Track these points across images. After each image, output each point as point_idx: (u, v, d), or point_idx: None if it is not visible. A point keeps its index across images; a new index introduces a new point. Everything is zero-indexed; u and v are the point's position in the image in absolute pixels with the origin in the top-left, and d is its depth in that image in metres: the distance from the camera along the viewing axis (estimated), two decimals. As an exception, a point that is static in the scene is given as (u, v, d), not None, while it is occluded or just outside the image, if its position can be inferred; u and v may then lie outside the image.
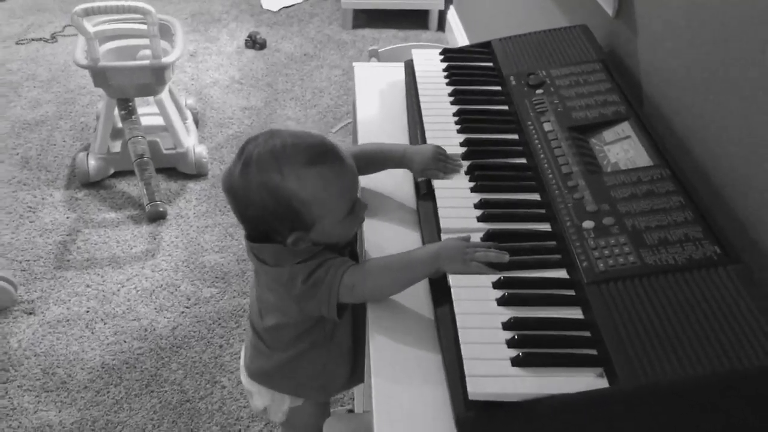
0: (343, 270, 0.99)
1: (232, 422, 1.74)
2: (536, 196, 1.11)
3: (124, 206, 2.45)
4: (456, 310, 0.91)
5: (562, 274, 0.97)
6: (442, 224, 1.06)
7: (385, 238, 1.13)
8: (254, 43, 3.48)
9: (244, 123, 2.88)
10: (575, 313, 0.91)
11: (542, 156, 1.16)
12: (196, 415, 1.76)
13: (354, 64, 1.63)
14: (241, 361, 1.26)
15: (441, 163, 1.16)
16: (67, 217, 2.39)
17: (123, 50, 2.49)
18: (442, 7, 3.66)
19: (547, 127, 1.22)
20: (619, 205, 1.01)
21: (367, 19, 3.75)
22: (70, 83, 3.14)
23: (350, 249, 1.14)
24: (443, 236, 1.05)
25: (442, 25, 3.71)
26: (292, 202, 0.97)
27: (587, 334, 0.87)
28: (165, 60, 2.30)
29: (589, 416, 0.81)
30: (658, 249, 0.93)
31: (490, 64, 1.45)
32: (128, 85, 2.36)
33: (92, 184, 2.53)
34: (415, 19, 3.71)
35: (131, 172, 2.46)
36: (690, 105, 1.17)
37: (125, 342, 1.95)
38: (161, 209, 2.35)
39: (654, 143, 1.12)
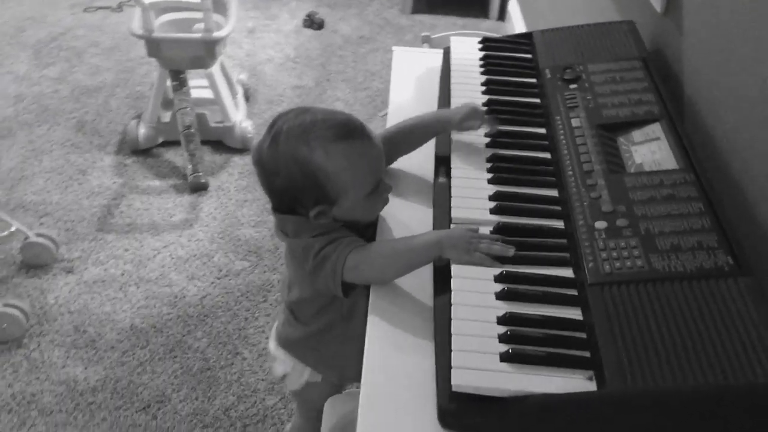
0: (349, 249, 1.00)
1: (249, 393, 1.77)
2: (554, 192, 1.09)
3: (169, 175, 2.50)
4: (453, 299, 0.90)
5: (568, 273, 0.95)
6: (453, 213, 1.05)
7: (398, 220, 1.13)
8: (312, 22, 3.49)
9: (294, 101, 2.91)
10: (574, 314, 0.89)
11: (565, 152, 1.13)
12: (214, 384, 1.80)
13: (393, 48, 1.62)
14: (273, 328, 1.30)
15: (479, 114, 1.17)
16: (114, 182, 2.46)
17: (180, 22, 2.54)
18: (504, -4, 3.60)
19: (575, 122, 1.19)
20: (635, 207, 0.99)
21: (428, 4, 3.72)
22: (130, 52, 3.22)
23: (373, 230, 1.14)
24: (453, 225, 1.03)
25: (503, 14, 3.65)
26: (318, 175, 0.99)
27: (583, 335, 0.85)
28: (216, 34, 2.33)
29: (574, 418, 0.79)
30: (669, 255, 0.90)
31: (529, 55, 1.42)
32: (180, 57, 2.40)
33: (141, 151, 2.59)
34: (476, 8, 3.66)
35: (179, 143, 2.51)
36: (732, 113, 1.12)
37: (155, 307, 2.00)
38: (203, 181, 2.40)
39: (683, 147, 1.08)
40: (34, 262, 2.11)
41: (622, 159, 1.11)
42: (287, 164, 1.01)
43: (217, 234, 2.26)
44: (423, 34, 2.49)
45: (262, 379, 1.80)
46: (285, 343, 1.24)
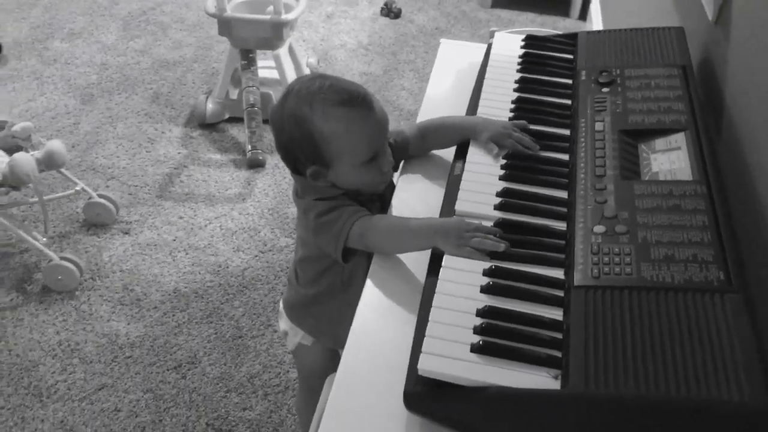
0: (355, 218, 1.04)
1: (275, 364, 1.84)
2: (563, 194, 1.09)
3: (230, 150, 2.60)
4: (437, 288, 0.92)
5: (559, 274, 0.95)
6: (457, 205, 1.07)
7: (410, 205, 1.16)
8: (389, 11, 3.53)
9: (360, 88, 2.95)
10: (555, 314, 0.89)
11: (582, 154, 1.13)
12: (244, 351, 1.88)
13: (442, 40, 1.64)
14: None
15: (508, 139, 1.15)
16: (179, 153, 2.58)
17: (254, 4, 2.62)
18: (587, -4, 3.54)
19: (598, 126, 1.18)
20: (638, 215, 0.97)
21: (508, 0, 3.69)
22: (212, 30, 3.34)
23: (380, 205, 1.17)
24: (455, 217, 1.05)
25: (584, 14, 3.58)
26: (315, 135, 1.04)
27: (558, 336, 0.86)
28: (284, 17, 2.40)
29: (532, 415, 0.80)
30: (660, 265, 0.89)
31: (570, 56, 1.41)
32: (249, 37, 2.49)
33: (207, 125, 2.70)
34: (559, 6, 3.61)
35: (243, 119, 2.60)
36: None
37: (199, 273, 2.10)
38: (260, 158, 2.48)
39: (702, 159, 1.06)
40: (95, 221, 2.24)
41: (639, 166, 1.10)
42: (290, 121, 1.06)
43: (267, 210, 2.33)
44: (491, 29, 2.48)
45: (289, 353, 1.87)
46: (286, 304, 1.31)
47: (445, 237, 0.97)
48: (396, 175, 1.25)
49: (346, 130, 1.04)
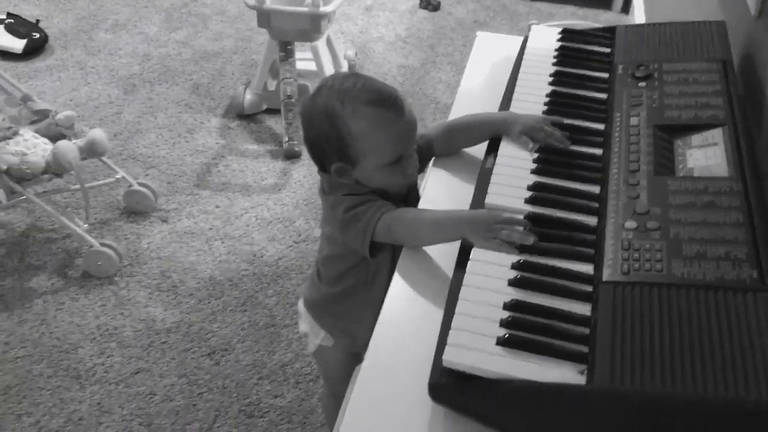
0: (383, 211, 1.05)
1: (307, 353, 1.86)
2: (595, 189, 1.08)
3: (267, 141, 2.63)
4: (464, 280, 0.92)
5: (589, 269, 0.94)
6: (488, 198, 1.06)
7: (440, 199, 1.16)
8: (428, 3, 3.52)
9: (397, 80, 2.96)
10: (584, 309, 0.89)
11: (616, 149, 1.12)
12: (276, 340, 1.90)
13: (478, 32, 1.63)
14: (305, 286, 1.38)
15: (540, 133, 1.14)
16: (217, 143, 2.62)
17: (294, -4, 2.64)
18: (629, -11, 3.48)
19: (633, 121, 1.16)
20: (671, 211, 0.96)
21: (550, -8, 3.65)
22: (251, 22, 3.36)
23: (404, 206, 1.17)
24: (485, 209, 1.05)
25: (627, 6, 3.53)
26: (342, 131, 1.06)
27: (585, 330, 0.85)
28: (321, 9, 2.41)
29: (556, 409, 0.80)
30: (692, 262, 0.88)
31: (608, 50, 1.40)
32: (287, 29, 2.51)
33: (246, 116, 2.73)
34: (600, -2, 3.56)
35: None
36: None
37: (234, 262, 2.13)
38: (296, 149, 2.50)
39: (739, 155, 1.04)
40: (135, 209, 2.29)
41: (674, 162, 1.08)
42: (320, 116, 1.07)
43: (302, 201, 2.35)
44: (531, 23, 2.46)
45: (309, 355, 1.88)
46: (307, 302, 1.31)
47: (474, 229, 0.97)
48: (422, 177, 1.25)
49: (373, 130, 1.05)
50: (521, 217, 1.01)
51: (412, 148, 1.12)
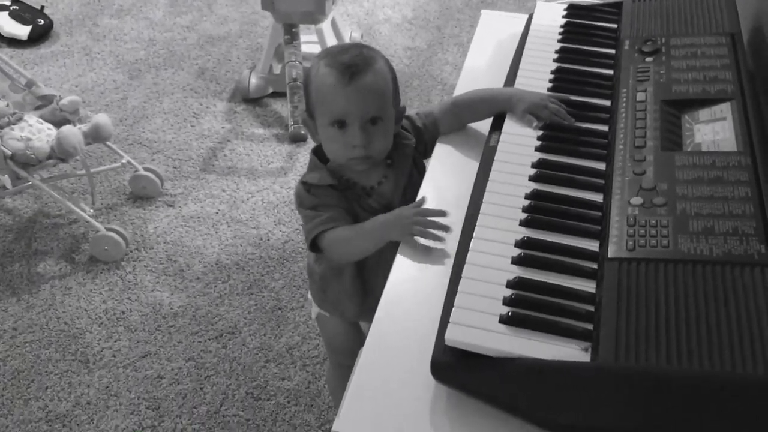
0: (323, 228, 1.12)
1: (314, 336, 1.86)
2: (601, 166, 1.06)
3: (273, 125, 2.62)
4: (467, 258, 0.91)
5: (594, 246, 0.93)
6: (491, 176, 1.05)
7: (446, 177, 1.16)
8: (434, -15, 3.48)
9: (403, 62, 2.93)
10: (588, 286, 0.87)
11: (622, 125, 1.10)
12: (283, 323, 1.90)
13: (482, 11, 1.61)
14: None
15: (544, 110, 1.14)
16: (223, 127, 2.61)
17: (298, -22, 2.61)
18: (638, -32, 3.42)
19: (640, 96, 1.14)
20: (678, 187, 0.95)
21: (558, -28, 3.60)
22: (257, 5, 3.31)
23: (373, 200, 1.19)
24: (486, 193, 1.02)
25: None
26: (308, 86, 1.15)
27: (590, 308, 0.84)
28: (326, -10, 2.39)
29: (559, 387, 0.79)
30: (698, 238, 0.87)
31: (614, 25, 1.37)
32: (292, 11, 2.49)
33: (251, 100, 2.72)
34: (608, -22, 3.51)
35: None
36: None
37: (241, 246, 2.13)
38: (302, 132, 2.49)
39: (748, 129, 1.02)
40: (141, 194, 2.29)
41: (682, 137, 1.06)
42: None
43: (308, 184, 2.34)
44: (539, 1, 2.43)
45: (321, 335, 1.88)
46: (307, 270, 1.37)
47: (392, 228, 1.04)
48: (428, 162, 1.25)
49: (321, 87, 1.11)
50: (524, 194, 1.00)
51: (361, 123, 1.11)
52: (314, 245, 1.14)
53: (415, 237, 1.02)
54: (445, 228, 1.01)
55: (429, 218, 1.02)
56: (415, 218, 1.03)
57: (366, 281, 1.24)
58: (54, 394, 1.78)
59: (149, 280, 2.03)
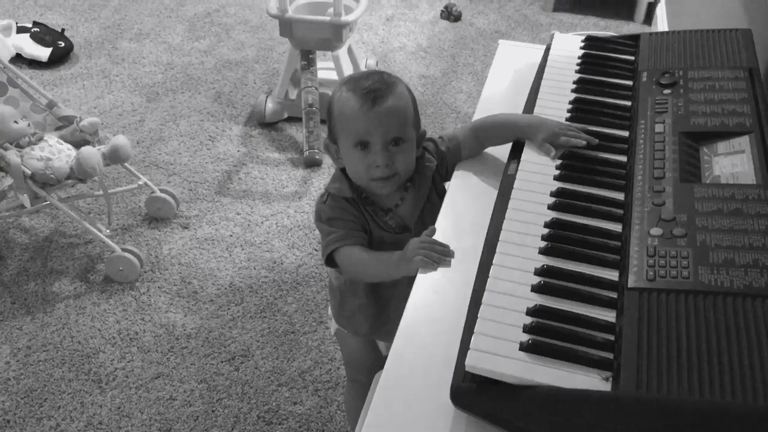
0: (341, 244, 1.15)
1: (326, 361, 1.85)
2: (620, 196, 1.07)
3: (288, 149, 2.64)
4: (487, 285, 0.92)
5: (614, 275, 0.93)
6: (511, 204, 1.06)
7: (464, 203, 1.17)
8: (449, 14, 3.53)
9: (417, 90, 2.96)
10: (608, 316, 0.88)
11: (641, 156, 1.11)
12: (296, 347, 1.90)
13: (500, 41, 1.63)
14: None
15: (562, 138, 1.15)
16: (238, 151, 2.63)
17: (315, 6, 2.66)
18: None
19: (658, 128, 1.15)
20: (698, 218, 0.95)
21: (571, 3, 3.64)
22: (274, 32, 3.38)
23: (390, 218, 1.21)
24: (506, 221, 1.03)
25: (649, 17, 3.51)
26: (331, 111, 1.18)
27: (610, 337, 0.84)
28: (343, 18, 2.42)
29: (581, 416, 0.79)
30: (719, 269, 0.87)
31: (631, 57, 1.39)
32: (309, 38, 2.52)
33: (267, 124, 2.74)
34: (622, 9, 3.55)
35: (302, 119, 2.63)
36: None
37: (254, 269, 2.13)
38: (317, 157, 2.51)
39: (766, 163, 1.03)
40: (156, 215, 2.31)
41: (700, 169, 1.07)
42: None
43: (323, 209, 2.36)
44: (552, 33, 2.46)
45: (340, 350, 1.88)
46: (328, 287, 1.41)
47: (401, 263, 1.06)
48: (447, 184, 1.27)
49: (343, 112, 1.15)
50: (544, 223, 1.01)
51: (383, 145, 1.15)
52: (329, 260, 1.17)
53: (421, 263, 1.03)
54: (448, 253, 1.05)
55: (433, 244, 1.05)
56: (421, 244, 1.05)
57: (379, 298, 1.27)
58: (66, 414, 1.78)
59: (163, 302, 2.04)
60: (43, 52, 3.08)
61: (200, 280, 2.11)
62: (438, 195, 1.25)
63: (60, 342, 1.95)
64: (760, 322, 0.80)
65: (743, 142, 1.09)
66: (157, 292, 2.07)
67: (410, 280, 1.07)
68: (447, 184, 1.27)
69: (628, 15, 3.53)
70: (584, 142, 1.15)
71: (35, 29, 3.19)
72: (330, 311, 1.42)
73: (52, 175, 1.95)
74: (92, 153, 1.96)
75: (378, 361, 1.39)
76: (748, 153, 1.06)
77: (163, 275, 2.12)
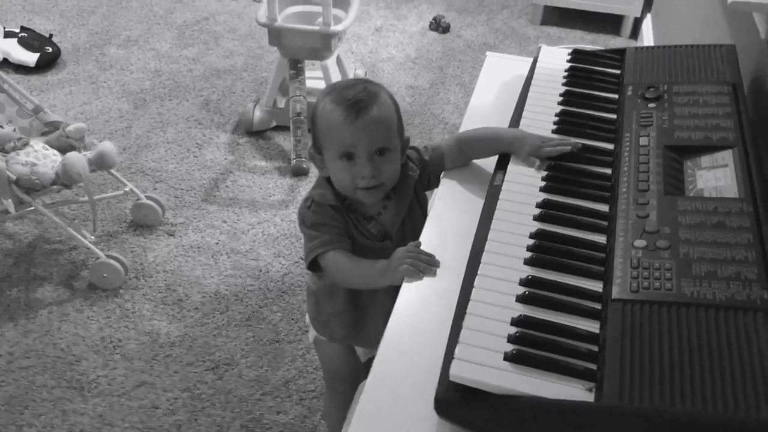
0: (319, 252, 1.16)
1: (311, 370, 1.85)
2: (604, 208, 1.08)
3: (275, 158, 2.64)
4: (472, 295, 0.92)
5: (597, 286, 0.94)
6: (496, 215, 1.06)
7: (450, 214, 1.17)
8: (438, 26, 3.54)
9: (405, 100, 2.97)
10: (592, 326, 0.88)
11: (625, 169, 1.12)
12: (280, 356, 1.89)
13: (488, 53, 1.64)
14: None
15: (545, 149, 1.17)
16: (225, 159, 2.63)
17: (304, 15, 2.67)
18: (638, 14, 3.49)
19: (643, 141, 1.16)
20: (681, 231, 0.96)
21: (559, 17, 3.67)
22: (263, 40, 3.39)
23: (373, 227, 1.22)
24: (491, 231, 1.04)
25: (636, 33, 3.55)
26: (315, 122, 1.19)
27: (594, 348, 0.85)
28: (332, 28, 2.43)
29: (564, 426, 0.79)
30: (702, 282, 0.88)
31: (617, 71, 1.40)
32: (298, 47, 2.53)
33: (254, 132, 2.74)
34: (608, 24, 3.58)
35: (290, 128, 2.63)
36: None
37: (240, 277, 2.13)
38: (304, 166, 2.51)
39: (749, 177, 1.04)
40: (142, 222, 2.30)
41: (684, 182, 1.08)
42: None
43: (309, 218, 2.36)
44: (539, 46, 2.47)
45: (318, 358, 1.88)
46: (306, 292, 1.41)
47: (387, 272, 1.06)
48: (430, 194, 1.27)
49: (328, 123, 1.15)
50: (529, 233, 1.02)
51: (369, 154, 1.15)
52: (313, 265, 1.18)
53: (407, 272, 1.04)
54: (434, 263, 1.05)
55: (419, 254, 1.06)
56: (407, 253, 1.06)
57: (357, 306, 1.28)
58: (48, 421, 1.76)
59: (147, 309, 2.03)
60: (31, 57, 3.06)
61: (185, 287, 2.10)
62: (419, 203, 1.26)
63: (42, 349, 1.93)
64: (741, 334, 0.81)
65: (726, 156, 1.10)
66: (142, 300, 2.06)
67: (389, 289, 1.07)
68: (428, 193, 1.28)
69: (615, 29, 3.56)
70: (568, 148, 1.16)
71: (23, 34, 3.18)
72: (307, 318, 1.42)
73: (37, 181, 1.94)
74: (78, 159, 1.95)
75: (356, 371, 1.39)
76: (731, 167, 1.07)
77: (147, 282, 2.11)
